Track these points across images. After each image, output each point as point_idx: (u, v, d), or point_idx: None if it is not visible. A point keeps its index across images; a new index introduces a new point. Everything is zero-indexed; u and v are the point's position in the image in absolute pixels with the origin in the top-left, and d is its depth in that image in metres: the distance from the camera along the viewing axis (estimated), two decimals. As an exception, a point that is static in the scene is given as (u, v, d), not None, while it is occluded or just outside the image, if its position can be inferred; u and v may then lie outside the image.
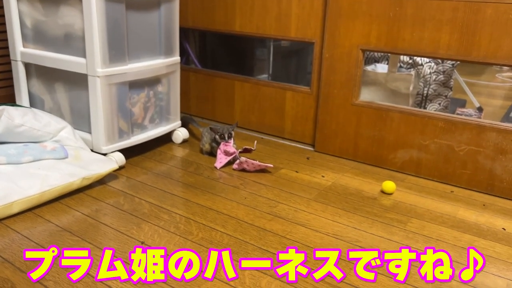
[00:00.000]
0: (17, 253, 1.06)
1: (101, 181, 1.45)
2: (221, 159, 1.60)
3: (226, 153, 1.60)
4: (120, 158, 1.54)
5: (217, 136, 1.61)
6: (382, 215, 1.31)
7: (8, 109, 1.40)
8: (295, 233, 1.19)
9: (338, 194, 1.43)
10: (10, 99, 1.92)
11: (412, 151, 1.58)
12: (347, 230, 1.22)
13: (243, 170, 1.58)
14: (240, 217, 1.27)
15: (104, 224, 1.20)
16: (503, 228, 1.26)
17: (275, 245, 1.13)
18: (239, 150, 1.64)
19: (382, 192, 1.45)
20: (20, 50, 1.63)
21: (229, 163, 1.62)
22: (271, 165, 1.56)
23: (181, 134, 1.81)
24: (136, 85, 1.57)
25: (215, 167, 1.60)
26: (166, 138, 1.84)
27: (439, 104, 1.90)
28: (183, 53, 2.21)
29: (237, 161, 1.57)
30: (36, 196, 1.25)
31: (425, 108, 1.93)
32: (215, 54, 2.44)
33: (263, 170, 1.58)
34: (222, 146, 1.60)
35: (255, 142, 1.63)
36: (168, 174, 1.53)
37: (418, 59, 1.89)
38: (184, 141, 1.84)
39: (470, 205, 1.39)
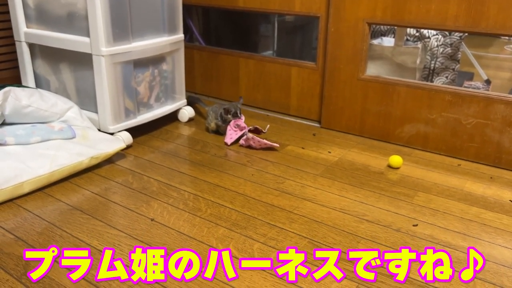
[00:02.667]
0: (30, 231, 1.08)
1: (109, 160, 1.46)
2: (231, 135, 1.61)
3: (238, 127, 1.61)
4: (127, 137, 1.55)
5: (229, 116, 1.61)
6: (389, 189, 1.31)
7: (14, 90, 1.41)
8: (302, 208, 1.20)
9: (344, 170, 1.43)
10: (15, 81, 1.93)
11: (419, 125, 1.57)
12: (354, 204, 1.23)
13: (249, 147, 1.58)
14: (248, 193, 1.28)
15: (113, 202, 1.22)
16: (510, 200, 1.26)
17: (282, 220, 1.15)
18: (249, 127, 1.65)
19: (389, 166, 1.46)
20: (24, 30, 1.62)
21: (237, 139, 1.62)
22: (277, 145, 1.57)
23: (187, 112, 1.81)
24: (141, 63, 1.57)
25: (225, 143, 1.61)
26: (172, 117, 1.84)
27: (446, 77, 1.88)
28: (186, 30, 2.19)
29: (244, 137, 1.58)
30: (46, 176, 1.26)
31: (432, 81, 1.91)
32: (219, 31, 2.41)
33: (269, 148, 1.58)
34: (233, 121, 1.61)
35: (268, 126, 1.63)
36: (175, 153, 1.54)
37: (425, 31, 1.86)
38: (190, 120, 1.84)
39: (477, 178, 1.39)
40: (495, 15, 1.35)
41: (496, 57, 3.18)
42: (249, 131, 1.63)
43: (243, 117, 1.64)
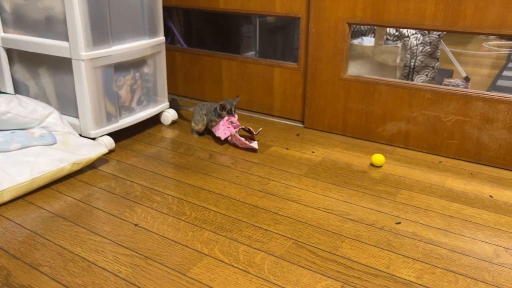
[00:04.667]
0: (11, 240, 1.06)
1: (92, 166, 1.44)
2: (224, 130, 1.61)
3: (232, 124, 1.62)
4: (109, 142, 1.53)
5: (224, 112, 1.61)
6: (372, 188, 1.33)
7: (-8, 97, 1.38)
8: (287, 209, 1.21)
9: (328, 169, 1.44)
10: (-7, 86, 1.89)
11: (400, 124, 1.59)
12: (337, 204, 1.24)
13: (234, 144, 1.59)
14: (232, 195, 1.28)
15: (96, 208, 1.20)
16: (490, 196, 1.29)
17: (267, 221, 1.15)
18: (243, 127, 1.65)
19: (372, 165, 1.47)
20: (1, 35, 1.59)
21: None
22: (256, 147, 1.57)
23: (170, 115, 1.80)
24: (122, 67, 1.55)
25: (220, 138, 1.61)
26: (155, 120, 1.83)
27: (426, 75, 1.91)
28: (168, 32, 2.18)
29: (229, 134, 1.60)
30: (27, 183, 1.24)
31: (412, 80, 1.94)
32: (201, 33, 2.41)
33: (250, 149, 1.58)
34: (227, 118, 1.62)
35: (260, 129, 1.64)
36: (158, 156, 1.53)
37: (404, 31, 1.88)
38: (174, 122, 1.83)
39: (458, 174, 1.42)
40: (472, 14, 1.37)
41: (475, 54, 3.24)
42: (243, 130, 1.66)
43: (236, 116, 1.64)
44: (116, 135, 1.60)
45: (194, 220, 1.15)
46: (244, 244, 1.06)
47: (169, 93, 1.96)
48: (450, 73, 2.27)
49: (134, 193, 1.29)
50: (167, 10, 2.19)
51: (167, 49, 1.92)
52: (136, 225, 1.13)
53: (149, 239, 1.07)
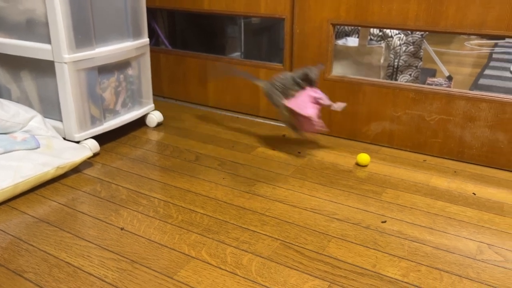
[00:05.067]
0: (-6, 247, 1.04)
1: (76, 169, 1.43)
2: (310, 106, 1.37)
3: (319, 101, 1.38)
4: (93, 145, 1.52)
5: (304, 83, 1.37)
6: (358, 187, 1.34)
7: (-28, 101, 1.35)
8: (274, 210, 1.21)
9: (314, 169, 1.45)
10: (-26, 90, 1.86)
11: (385, 123, 1.61)
12: (324, 204, 1.25)
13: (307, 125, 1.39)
14: (219, 197, 1.28)
15: (81, 213, 1.19)
16: (473, 193, 1.31)
17: (255, 222, 1.15)
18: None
19: (357, 164, 1.48)
20: (-19, 38, 1.56)
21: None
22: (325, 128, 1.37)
23: (155, 117, 1.79)
24: (105, 69, 1.54)
25: (309, 117, 1.36)
26: (140, 122, 1.81)
27: (410, 75, 1.93)
28: (152, 34, 2.17)
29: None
30: (10, 188, 1.22)
31: (396, 79, 1.96)
32: (186, 34, 2.40)
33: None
34: (311, 93, 1.37)
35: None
36: (144, 159, 1.52)
37: (388, 31, 1.90)
38: (159, 124, 1.82)
39: (442, 173, 1.44)
40: (453, 14, 1.40)
41: (457, 53, 3.29)
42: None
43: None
44: (101, 138, 1.58)
45: (181, 223, 1.15)
46: (232, 246, 1.05)
47: (154, 94, 1.94)
48: (433, 73, 2.30)
49: (120, 196, 1.28)
50: (151, 12, 2.18)
51: (151, 51, 1.91)
52: (122, 228, 1.12)
53: (135, 243, 1.06)
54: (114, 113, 1.63)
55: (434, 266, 0.99)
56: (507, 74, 2.62)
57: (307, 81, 1.38)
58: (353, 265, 0.99)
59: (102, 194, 1.29)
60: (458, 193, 1.31)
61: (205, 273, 0.96)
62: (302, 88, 1.37)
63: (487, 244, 1.08)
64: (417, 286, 0.93)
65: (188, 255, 1.02)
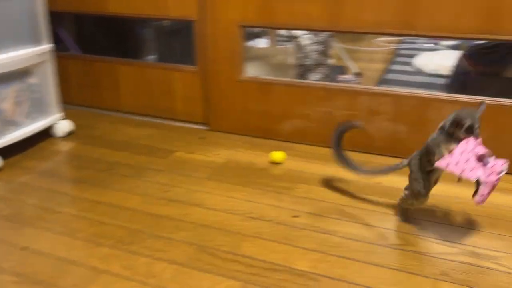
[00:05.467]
0: None
1: (-26, 188, 1.32)
2: (471, 166, 0.97)
3: (482, 158, 0.97)
4: (-6, 161, 1.41)
5: (461, 132, 0.99)
6: (273, 184, 1.37)
7: None
8: (192, 215, 1.21)
9: (231, 170, 1.47)
10: None
11: (297, 121, 1.66)
12: (240, 203, 1.27)
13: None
14: (133, 206, 1.24)
15: (-20, 235, 1.10)
16: (379, 183, 1.39)
17: (170, 229, 1.14)
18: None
19: (273, 162, 1.52)
20: None
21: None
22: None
23: (64, 126, 1.70)
24: (3, 79, 1.44)
25: (477, 202, 0.98)
26: (49, 133, 1.72)
27: (320, 73, 2.01)
28: (58, 39, 2.05)
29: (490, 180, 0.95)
30: None
31: (307, 78, 2.03)
32: (95, 38, 2.30)
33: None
34: (471, 146, 0.98)
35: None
36: (53, 171, 1.44)
37: (295, 31, 1.96)
38: (70, 134, 1.73)
39: (351, 165, 1.51)
40: (351, 14, 1.47)
41: (367, 51, 3.49)
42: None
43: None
44: (4, 152, 1.47)
45: (92, 237, 1.11)
46: (145, 256, 1.03)
47: (63, 103, 1.85)
48: (343, 70, 2.41)
49: (25, 213, 1.20)
50: (57, 16, 2.07)
51: (59, 57, 1.81)
52: (24, 248, 1.05)
53: (40, 262, 1.01)
54: (17, 124, 1.53)
55: (341, 255, 1.05)
56: (411, 68, 2.82)
57: (465, 130, 0.98)
58: (266, 261, 1.02)
59: (5, 212, 1.20)
60: (365, 183, 1.39)
61: (115, 287, 0.93)
62: (458, 140, 0.99)
63: (390, 230, 1.15)
64: (325, 276, 0.97)
65: (99, 270, 0.98)
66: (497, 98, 1.41)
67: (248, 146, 1.65)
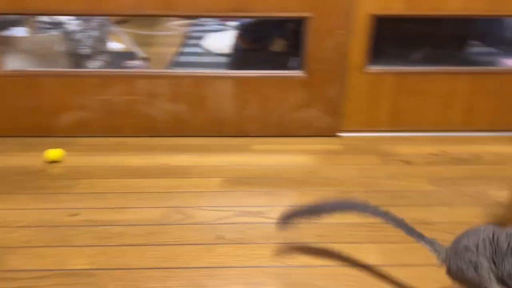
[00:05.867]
0: None
1: None
2: None
3: None
4: None
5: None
6: (50, 186, 1.26)
7: None
8: None
9: (1, 179, 1.29)
10: None
11: (74, 113, 1.55)
12: (7, 214, 1.12)
13: None
14: None
15: None
16: (165, 163, 1.40)
17: None
18: None
19: (50, 162, 1.39)
20: None
21: None
22: None
23: None
24: None
25: None
26: None
27: (101, 60, 1.91)
28: None
29: None
30: None
31: (86, 67, 1.90)
32: None
33: None
34: None
35: None
36: None
37: (61, 17, 1.81)
38: None
39: (138, 151, 1.49)
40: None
41: (161, 35, 3.48)
42: None
43: None
44: None
45: None
46: None
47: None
48: (131, 55, 2.35)
49: None
50: None
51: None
52: None
53: None
54: None
55: (122, 243, 1.02)
56: (201, 50, 2.92)
57: None
58: (37, 270, 0.93)
59: None
60: (153, 167, 1.39)
61: None
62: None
63: (173, 207, 1.17)
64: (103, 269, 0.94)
65: None
66: (266, 71, 1.56)
67: (19, 148, 1.48)
